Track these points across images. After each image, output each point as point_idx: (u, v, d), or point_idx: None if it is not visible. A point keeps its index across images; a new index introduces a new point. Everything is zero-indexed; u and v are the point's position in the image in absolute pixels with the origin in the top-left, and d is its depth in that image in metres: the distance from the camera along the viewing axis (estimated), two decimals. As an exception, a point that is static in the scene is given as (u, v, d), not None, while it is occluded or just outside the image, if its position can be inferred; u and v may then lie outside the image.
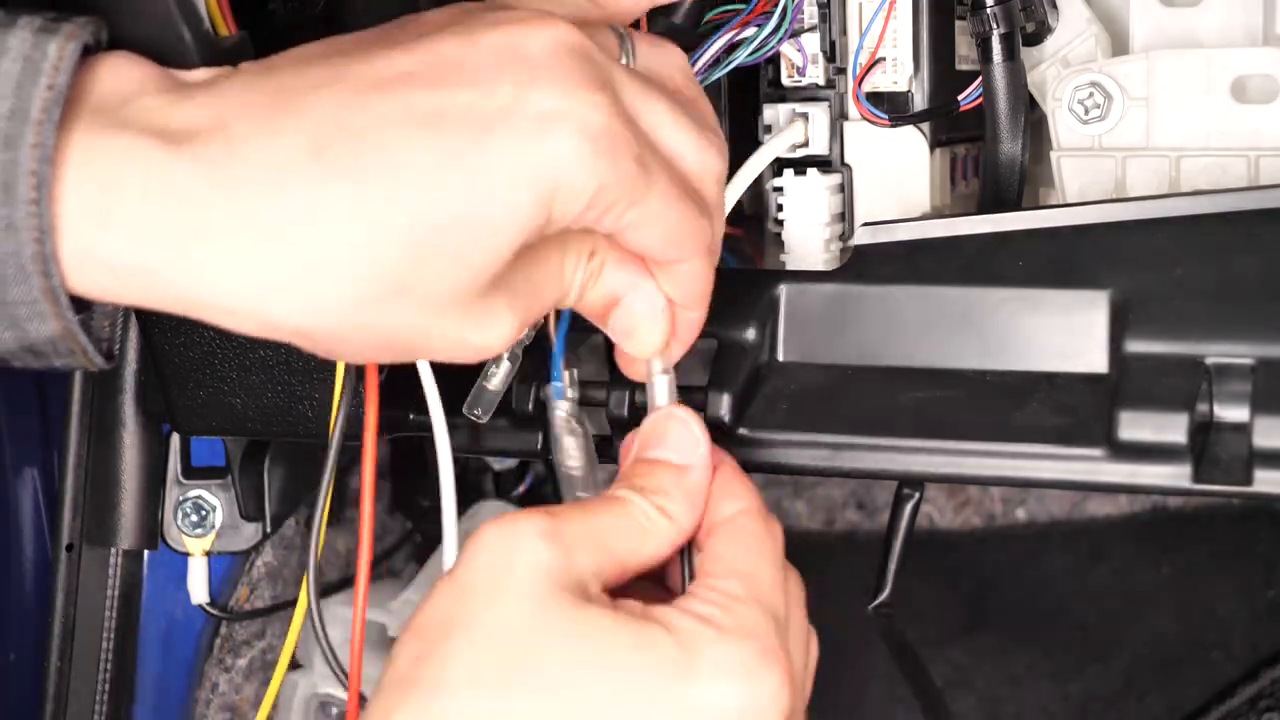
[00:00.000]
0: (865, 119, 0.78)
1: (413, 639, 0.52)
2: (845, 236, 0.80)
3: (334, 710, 1.02)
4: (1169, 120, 0.76)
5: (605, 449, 0.72)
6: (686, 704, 0.50)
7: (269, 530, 0.92)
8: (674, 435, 0.59)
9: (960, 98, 0.78)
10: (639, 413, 0.72)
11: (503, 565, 0.52)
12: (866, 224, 0.74)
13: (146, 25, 0.63)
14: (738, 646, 0.51)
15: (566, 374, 0.68)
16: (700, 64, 0.78)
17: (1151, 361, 0.68)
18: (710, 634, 0.51)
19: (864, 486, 1.24)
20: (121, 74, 0.52)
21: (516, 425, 0.76)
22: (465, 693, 0.50)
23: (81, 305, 0.52)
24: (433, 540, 1.13)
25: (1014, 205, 0.76)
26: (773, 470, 0.72)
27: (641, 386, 0.68)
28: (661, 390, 0.62)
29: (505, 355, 0.75)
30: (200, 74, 0.54)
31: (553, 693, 0.50)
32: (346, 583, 1.05)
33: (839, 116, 0.80)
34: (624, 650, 0.50)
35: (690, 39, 0.77)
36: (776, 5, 0.77)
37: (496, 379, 0.75)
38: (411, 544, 1.15)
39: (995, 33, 0.74)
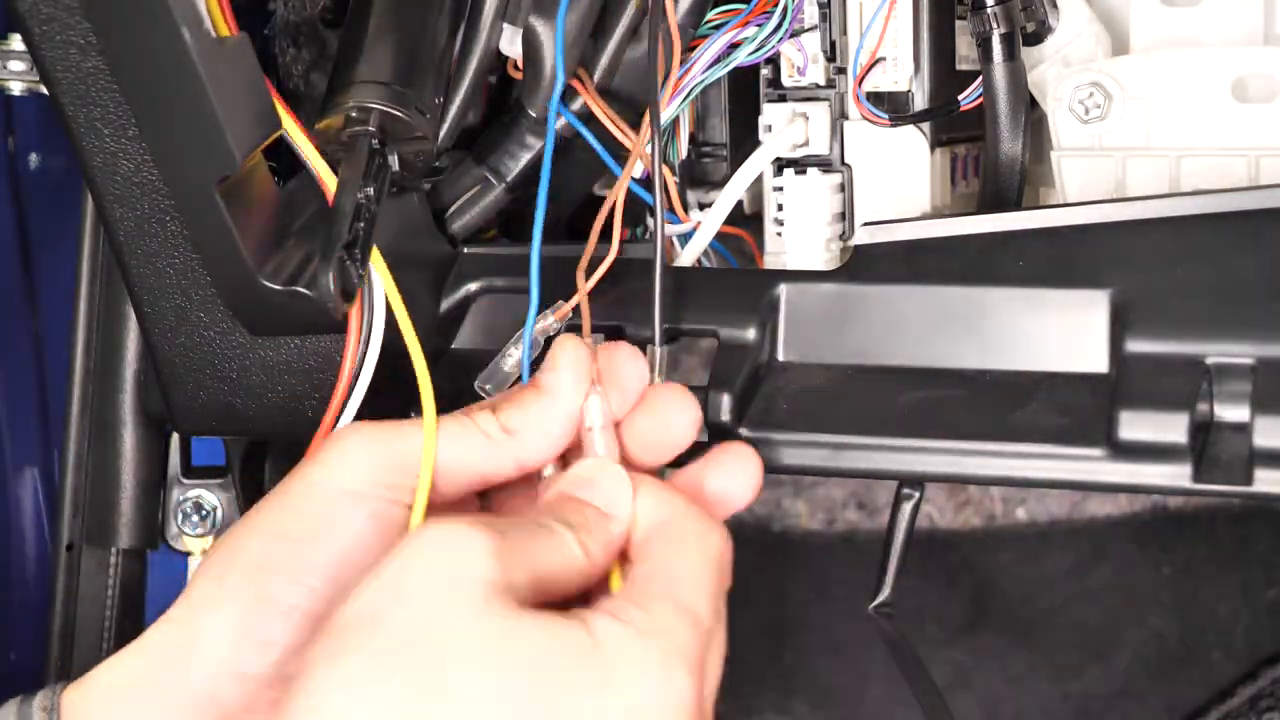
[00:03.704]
0: (865, 119, 0.78)
1: (336, 637, 0.53)
2: (845, 236, 0.80)
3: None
4: (1169, 120, 0.76)
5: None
6: (604, 701, 0.52)
7: (269, 530, 0.92)
8: (607, 486, 0.60)
9: (960, 98, 0.78)
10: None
11: (445, 574, 0.53)
12: (866, 224, 0.74)
13: (147, 27, 0.63)
14: (650, 643, 0.53)
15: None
16: (700, 64, 0.78)
17: (1151, 361, 0.68)
18: (625, 632, 0.53)
19: (864, 486, 1.24)
20: None
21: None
22: (394, 694, 0.51)
23: None
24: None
25: (1014, 205, 0.76)
26: (773, 470, 0.72)
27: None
28: (599, 443, 0.63)
29: (525, 337, 0.74)
30: None
31: (474, 695, 0.51)
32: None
33: (839, 116, 0.80)
34: (546, 652, 0.52)
35: (690, 39, 0.77)
36: (777, 5, 0.77)
37: (513, 359, 0.75)
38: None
39: (996, 32, 0.74)
